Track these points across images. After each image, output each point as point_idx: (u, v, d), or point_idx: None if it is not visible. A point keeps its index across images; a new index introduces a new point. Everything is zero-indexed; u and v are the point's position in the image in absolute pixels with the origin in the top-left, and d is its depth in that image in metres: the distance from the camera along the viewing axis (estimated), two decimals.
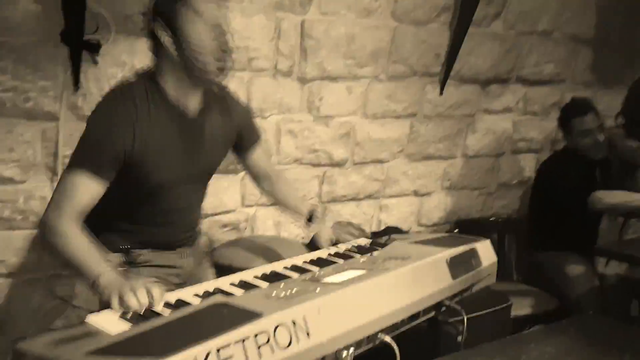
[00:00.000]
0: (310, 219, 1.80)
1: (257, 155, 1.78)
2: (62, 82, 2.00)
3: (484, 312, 2.03)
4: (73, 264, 1.35)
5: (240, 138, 1.71)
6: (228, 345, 0.91)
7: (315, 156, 2.67)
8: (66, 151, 2.07)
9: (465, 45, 2.83)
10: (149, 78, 1.50)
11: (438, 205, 3.17)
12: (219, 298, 1.15)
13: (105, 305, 1.23)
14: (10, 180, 2.03)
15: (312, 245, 2.58)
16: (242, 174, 2.47)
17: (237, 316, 1.01)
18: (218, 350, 0.90)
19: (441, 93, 2.92)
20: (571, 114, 2.88)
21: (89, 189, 1.39)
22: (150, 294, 1.21)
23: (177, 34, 1.42)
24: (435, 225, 3.19)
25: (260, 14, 2.30)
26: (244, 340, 0.94)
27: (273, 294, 1.15)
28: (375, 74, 2.70)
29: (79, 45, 1.97)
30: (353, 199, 2.87)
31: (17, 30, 1.91)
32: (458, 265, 1.48)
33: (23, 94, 1.97)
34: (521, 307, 2.51)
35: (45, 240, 1.40)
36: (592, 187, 2.69)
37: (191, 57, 1.43)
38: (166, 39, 1.44)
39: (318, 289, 1.15)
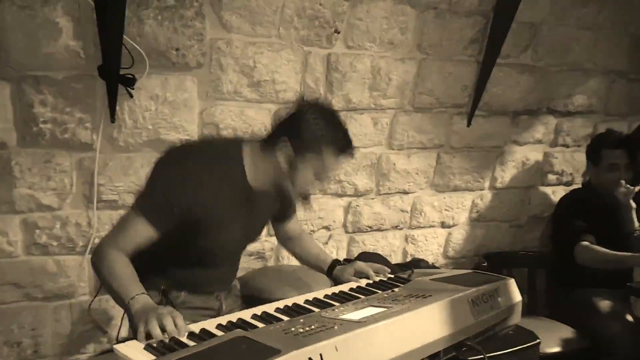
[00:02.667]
0: (331, 269, 1.84)
1: (290, 226, 1.91)
2: (99, 114, 2.09)
3: (511, 350, 1.98)
4: (112, 286, 1.40)
5: (281, 211, 1.83)
6: None
7: (340, 187, 2.69)
8: (101, 180, 2.16)
9: (493, 77, 2.83)
10: (235, 153, 1.56)
11: (466, 238, 3.13)
12: (240, 332, 1.16)
13: (134, 329, 1.27)
14: (48, 208, 2.12)
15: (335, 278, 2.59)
16: None
17: (256, 352, 1.03)
18: None
19: (469, 124, 2.91)
20: (603, 144, 2.84)
21: (145, 234, 1.46)
22: (176, 323, 1.24)
23: (296, 150, 1.49)
24: (463, 258, 3.15)
25: (287, 48, 2.36)
26: None
27: (292, 329, 1.16)
28: (400, 106, 2.72)
29: (116, 79, 2.06)
30: (378, 230, 2.87)
31: (57, 65, 2.02)
32: (481, 305, 1.46)
33: (62, 125, 2.07)
34: (550, 345, 2.44)
35: (93, 262, 1.47)
36: (609, 226, 2.64)
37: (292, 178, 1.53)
38: (285, 145, 1.49)
39: (336, 326, 1.16)
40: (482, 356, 1.40)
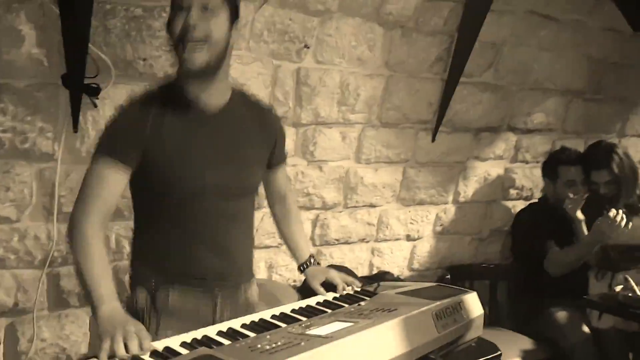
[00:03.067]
0: (303, 268, 1.78)
1: (279, 176, 1.70)
2: (61, 124, 2.05)
3: None
4: (84, 277, 1.31)
5: (271, 155, 1.62)
6: None
7: (309, 199, 2.70)
8: (62, 191, 2.11)
9: (457, 95, 2.90)
10: (169, 83, 1.47)
11: (430, 250, 3.19)
12: (204, 350, 1.15)
13: (98, 336, 1.21)
14: (6, 220, 2.05)
15: (303, 290, 2.59)
16: None
17: None
18: None
19: (433, 140, 2.98)
20: (560, 161, 2.95)
21: (114, 176, 1.37)
22: (142, 344, 1.21)
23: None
24: (427, 270, 3.20)
25: (257, 61, 2.37)
26: None
27: (258, 346, 1.15)
28: (368, 120, 2.76)
29: (79, 89, 2.02)
30: (345, 243, 2.89)
31: (19, 73, 1.97)
32: (444, 318, 1.48)
33: (21, 134, 2.02)
34: (511, 356, 2.50)
35: (71, 238, 1.36)
36: (567, 238, 2.75)
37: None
38: None
39: (303, 342, 1.16)
40: None
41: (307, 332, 1.27)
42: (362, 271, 2.96)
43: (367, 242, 2.96)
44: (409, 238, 3.10)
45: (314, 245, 2.79)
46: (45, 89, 2.01)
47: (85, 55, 1.97)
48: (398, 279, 2.85)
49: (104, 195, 1.38)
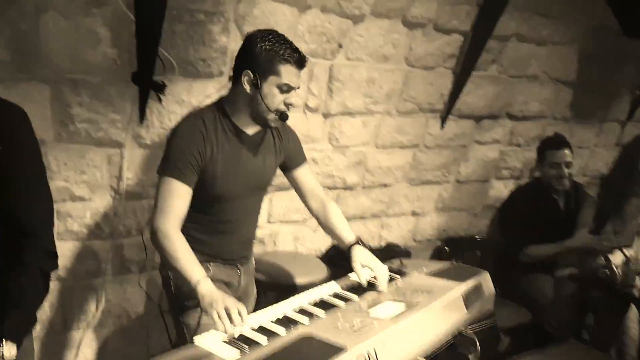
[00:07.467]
0: (348, 250, 2.02)
1: (302, 173, 2.04)
2: (130, 116, 2.29)
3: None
4: (177, 266, 1.68)
5: (289, 158, 2.00)
6: None
7: (332, 181, 3.03)
8: (128, 174, 2.38)
9: (465, 86, 3.21)
10: (218, 104, 1.84)
11: (431, 224, 3.59)
12: (302, 330, 1.48)
13: (203, 309, 1.59)
14: (80, 199, 2.32)
15: (326, 259, 2.95)
16: (271, 194, 2.81)
17: (326, 350, 1.33)
18: None
19: (442, 127, 3.31)
20: (547, 146, 3.33)
21: (181, 193, 1.73)
22: (241, 315, 1.56)
23: (257, 78, 1.72)
24: (428, 241, 3.61)
25: None
26: None
27: (340, 326, 1.50)
28: (387, 110, 3.06)
29: (148, 85, 2.26)
30: (360, 218, 3.25)
31: (94, 70, 2.18)
32: (470, 297, 1.87)
33: (96, 124, 2.26)
34: (499, 321, 2.93)
35: (156, 242, 1.72)
36: (555, 215, 3.17)
37: (258, 105, 1.75)
38: (246, 78, 1.74)
39: (375, 323, 1.52)
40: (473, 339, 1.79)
41: (369, 313, 1.63)
42: (372, 243, 3.34)
43: (379, 217, 3.33)
44: (413, 214, 3.48)
45: None
46: (117, 84, 2.24)
47: (155, 56, 2.19)
48: (405, 250, 3.24)
49: (177, 205, 1.74)
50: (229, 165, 1.81)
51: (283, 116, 1.79)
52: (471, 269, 2.13)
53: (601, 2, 3.36)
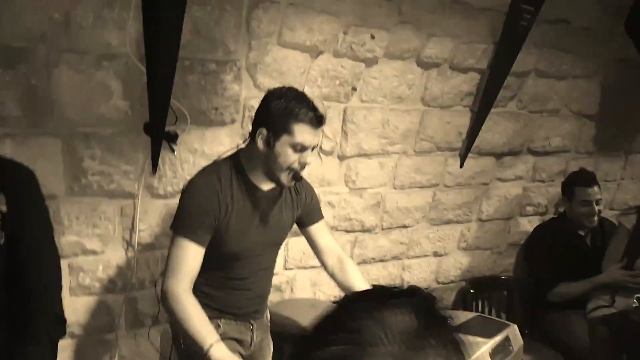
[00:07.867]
0: None
1: (318, 229, 2.01)
2: (142, 166, 2.27)
3: None
4: (188, 329, 1.62)
5: (305, 214, 1.97)
6: None
7: (350, 224, 2.95)
8: (141, 226, 2.34)
9: (484, 124, 3.14)
10: (235, 158, 1.80)
11: (454, 265, 3.46)
12: None
13: None
14: (92, 252, 2.28)
15: None
16: (286, 241, 2.74)
17: None
18: None
19: (461, 166, 3.23)
20: (577, 183, 3.22)
21: (193, 254, 1.68)
22: None
23: (270, 136, 1.69)
24: (451, 283, 3.48)
25: None
26: None
27: None
28: (404, 150, 3.00)
29: (161, 136, 2.24)
30: (380, 261, 3.15)
31: (106, 123, 2.18)
32: (497, 355, 1.76)
33: (108, 176, 2.24)
34: None
35: (167, 305, 1.67)
36: (582, 252, 3.04)
37: (272, 163, 1.71)
38: (260, 135, 1.71)
39: None
40: None
41: None
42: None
43: (399, 259, 3.23)
44: (436, 254, 3.37)
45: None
46: (129, 136, 2.23)
47: (167, 106, 2.17)
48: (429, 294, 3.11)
49: (189, 266, 1.69)
50: (243, 222, 1.76)
51: (296, 176, 1.74)
52: (498, 323, 2.03)
53: (622, 34, 3.29)
